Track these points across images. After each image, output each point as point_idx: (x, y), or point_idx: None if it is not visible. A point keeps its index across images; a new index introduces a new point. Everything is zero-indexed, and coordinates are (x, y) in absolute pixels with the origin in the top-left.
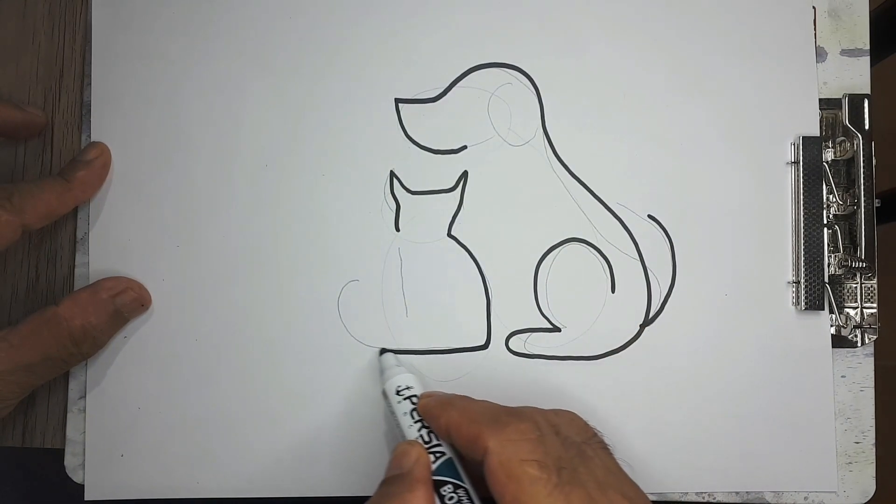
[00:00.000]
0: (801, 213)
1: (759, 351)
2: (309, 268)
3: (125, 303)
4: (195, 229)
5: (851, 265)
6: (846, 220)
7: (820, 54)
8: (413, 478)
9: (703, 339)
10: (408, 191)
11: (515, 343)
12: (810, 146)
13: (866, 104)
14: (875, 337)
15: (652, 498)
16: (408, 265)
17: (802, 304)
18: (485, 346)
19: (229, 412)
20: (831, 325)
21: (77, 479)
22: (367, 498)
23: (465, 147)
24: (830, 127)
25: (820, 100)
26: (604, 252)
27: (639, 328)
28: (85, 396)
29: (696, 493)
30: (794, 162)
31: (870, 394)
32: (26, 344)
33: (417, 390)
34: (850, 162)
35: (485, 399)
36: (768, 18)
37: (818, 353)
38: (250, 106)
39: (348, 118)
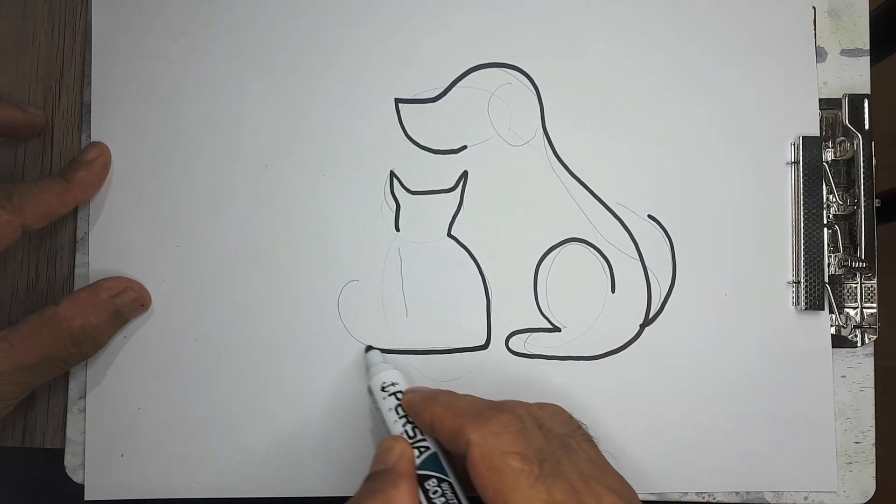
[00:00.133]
0: (801, 213)
1: (759, 351)
2: (309, 268)
3: (125, 303)
4: (195, 229)
5: (851, 265)
6: (846, 220)
7: (820, 54)
8: (397, 473)
9: (703, 339)
10: (408, 191)
11: (515, 343)
12: (810, 146)
13: (866, 104)
14: (875, 337)
15: (652, 498)
16: (408, 265)
17: (802, 304)
18: (485, 346)
19: (229, 412)
20: (831, 325)
21: (77, 479)
22: None
23: (465, 147)
24: (830, 127)
25: (820, 100)
26: (604, 252)
27: (639, 328)
28: (85, 396)
29: (696, 493)
30: (794, 162)
31: (870, 394)
32: (26, 344)
33: (402, 386)
34: (850, 162)
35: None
36: (768, 18)
37: (818, 353)
38: (250, 106)
39: (348, 118)
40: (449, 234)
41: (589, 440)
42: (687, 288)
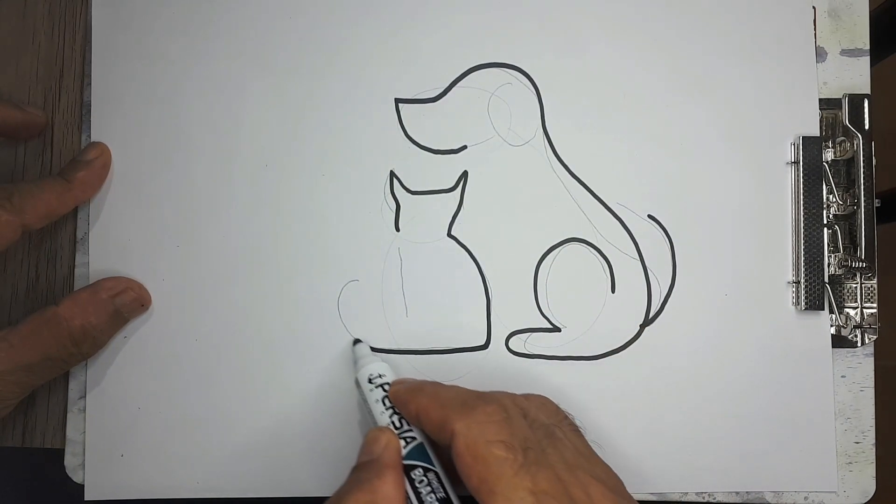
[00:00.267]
0: (801, 213)
1: (759, 351)
2: (309, 268)
3: (125, 303)
4: (195, 229)
5: (851, 265)
6: (846, 220)
7: (820, 54)
8: (382, 463)
9: (703, 339)
10: (408, 191)
11: (515, 343)
12: (810, 146)
13: (866, 104)
14: (875, 337)
15: (652, 498)
16: (408, 265)
17: (802, 304)
18: (485, 346)
19: (229, 412)
20: (831, 325)
21: (77, 479)
22: None
23: (465, 147)
24: (830, 127)
25: (820, 100)
26: (604, 252)
27: (639, 328)
28: (85, 396)
29: (696, 493)
30: (794, 162)
31: (870, 394)
32: (26, 344)
33: (389, 378)
34: (850, 162)
35: None
36: (768, 18)
37: (818, 353)
38: (250, 106)
39: (348, 118)
40: (449, 234)
41: (575, 430)
42: (687, 288)
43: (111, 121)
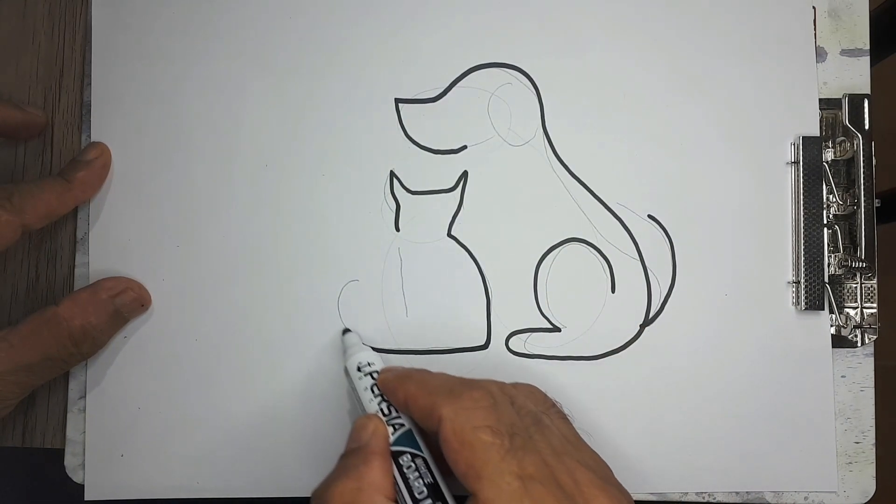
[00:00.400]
0: (801, 213)
1: (759, 351)
2: (309, 268)
3: (125, 303)
4: (195, 229)
5: (851, 265)
6: (846, 220)
7: (820, 54)
8: (369, 450)
9: (703, 339)
10: (408, 191)
11: (515, 343)
12: (810, 146)
13: (866, 104)
14: (875, 337)
15: (652, 498)
16: (408, 265)
17: (802, 304)
18: (485, 346)
19: (229, 412)
20: (831, 325)
21: (77, 479)
22: None
23: (465, 147)
24: (830, 127)
25: (820, 100)
26: (604, 252)
27: (639, 328)
28: (85, 396)
29: (696, 493)
30: (794, 162)
31: (870, 394)
32: (26, 344)
33: (378, 366)
34: (850, 162)
35: None
36: (768, 18)
37: (818, 353)
38: (250, 106)
39: (348, 118)
40: (449, 234)
41: (563, 417)
42: (687, 288)
43: (111, 121)
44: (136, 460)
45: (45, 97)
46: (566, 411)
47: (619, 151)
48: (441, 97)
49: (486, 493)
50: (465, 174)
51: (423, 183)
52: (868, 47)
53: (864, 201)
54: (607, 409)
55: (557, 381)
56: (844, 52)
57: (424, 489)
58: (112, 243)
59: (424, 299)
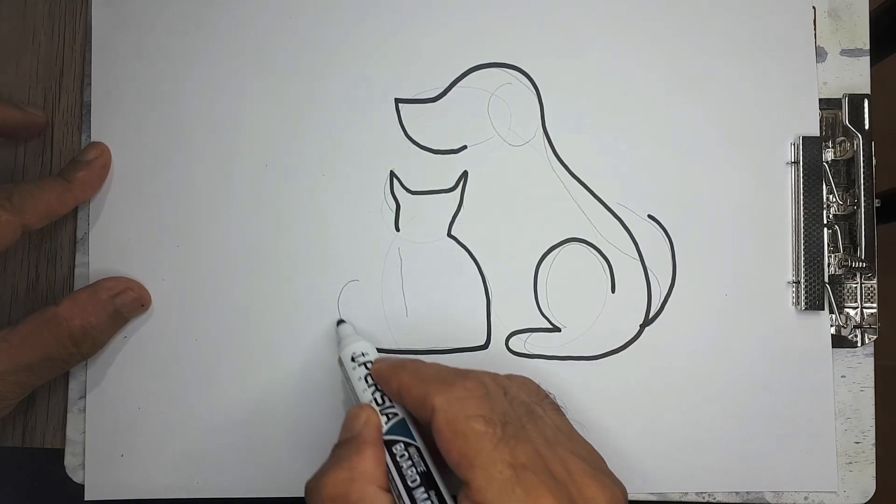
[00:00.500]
0: (801, 213)
1: (759, 351)
2: (309, 268)
3: (125, 303)
4: (195, 229)
5: (851, 265)
6: (846, 220)
7: (820, 54)
8: (362, 440)
9: (703, 339)
10: (408, 191)
11: (515, 343)
12: (810, 146)
13: (866, 104)
14: (875, 337)
15: (652, 498)
16: (408, 265)
17: (802, 304)
18: (485, 346)
19: (229, 412)
20: (831, 325)
21: (77, 479)
22: None
23: (465, 147)
24: (830, 127)
25: (820, 100)
26: (604, 252)
27: (639, 328)
28: (85, 396)
29: (696, 493)
30: (794, 162)
31: (870, 394)
32: (26, 344)
33: (372, 357)
34: (850, 162)
35: None
36: (768, 18)
37: (818, 353)
38: (250, 106)
39: (348, 118)
40: (449, 234)
41: (556, 408)
42: (687, 288)
43: (111, 121)
44: (136, 460)
45: (45, 97)
46: (560, 403)
47: (619, 151)
48: (441, 97)
49: (478, 482)
50: (465, 174)
51: (423, 183)
52: (868, 47)
53: (864, 201)
54: (607, 409)
55: (557, 381)
56: (844, 52)
57: (417, 478)
58: (112, 243)
59: (424, 299)
